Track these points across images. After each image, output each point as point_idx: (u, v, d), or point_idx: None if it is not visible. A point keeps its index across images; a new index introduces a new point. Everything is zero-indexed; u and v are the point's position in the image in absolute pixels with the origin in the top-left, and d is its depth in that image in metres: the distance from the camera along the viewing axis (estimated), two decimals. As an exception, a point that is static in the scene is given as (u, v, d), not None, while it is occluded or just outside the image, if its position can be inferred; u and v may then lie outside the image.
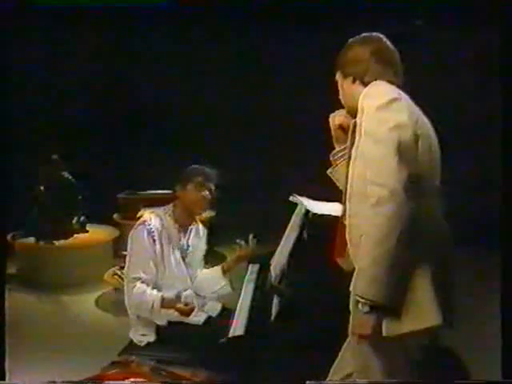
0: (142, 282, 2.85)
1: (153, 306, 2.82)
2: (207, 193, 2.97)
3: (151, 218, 2.93)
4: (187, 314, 2.85)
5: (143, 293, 2.83)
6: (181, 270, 3.00)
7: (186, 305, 2.85)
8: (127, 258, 2.96)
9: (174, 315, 2.87)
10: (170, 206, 3.02)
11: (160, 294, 2.86)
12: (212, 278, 3.13)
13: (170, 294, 2.90)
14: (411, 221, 1.90)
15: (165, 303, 2.84)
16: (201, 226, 3.17)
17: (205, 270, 3.19)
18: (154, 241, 2.89)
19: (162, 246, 2.92)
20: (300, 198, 2.72)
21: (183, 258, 3.02)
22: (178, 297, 2.92)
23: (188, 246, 3.05)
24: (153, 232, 2.89)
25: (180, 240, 3.02)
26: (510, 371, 2.51)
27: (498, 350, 2.62)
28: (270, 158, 7.42)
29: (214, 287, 3.11)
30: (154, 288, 2.88)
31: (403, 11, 6.21)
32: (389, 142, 1.93)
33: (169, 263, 2.94)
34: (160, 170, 5.60)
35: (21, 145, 5.85)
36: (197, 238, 3.12)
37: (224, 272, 3.14)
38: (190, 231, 3.08)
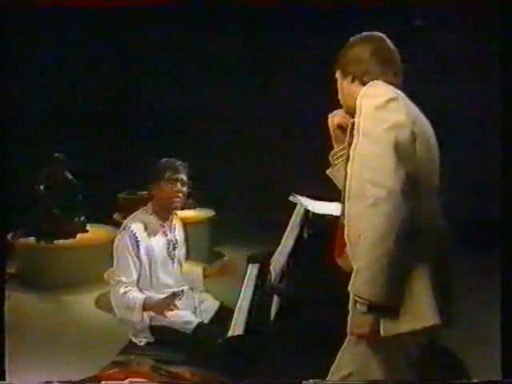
0: (126, 287, 2.85)
1: (134, 308, 2.80)
2: (179, 185, 2.98)
3: (132, 221, 2.94)
4: (163, 312, 2.81)
5: (124, 294, 2.83)
6: (171, 266, 3.01)
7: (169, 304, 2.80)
8: (113, 265, 2.97)
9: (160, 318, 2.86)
10: (149, 205, 3.03)
11: (143, 296, 2.84)
12: (193, 279, 3.13)
13: (159, 295, 2.89)
14: (409, 220, 1.90)
15: (147, 305, 2.82)
16: (181, 225, 3.18)
17: (186, 266, 3.17)
18: (138, 242, 2.88)
19: (149, 245, 2.92)
20: (300, 198, 2.72)
21: (173, 254, 3.03)
22: (173, 295, 2.87)
23: (176, 240, 3.07)
24: (135, 235, 2.89)
25: (167, 235, 3.03)
26: (510, 371, 2.51)
27: (498, 350, 2.62)
28: (269, 157, 7.42)
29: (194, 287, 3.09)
30: (140, 291, 2.88)
31: (403, 11, 6.22)
32: (386, 141, 1.93)
33: (158, 260, 2.95)
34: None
35: (21, 145, 5.85)
36: (181, 233, 3.14)
37: (205, 276, 3.13)
38: (175, 227, 3.10)
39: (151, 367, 2.68)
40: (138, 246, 2.88)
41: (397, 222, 1.88)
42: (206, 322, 2.96)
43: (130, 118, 7.47)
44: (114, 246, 2.94)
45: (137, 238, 2.88)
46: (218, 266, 3.20)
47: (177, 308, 2.80)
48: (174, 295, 2.82)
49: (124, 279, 2.84)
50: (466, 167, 6.22)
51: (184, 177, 3.00)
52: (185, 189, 3.01)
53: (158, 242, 2.97)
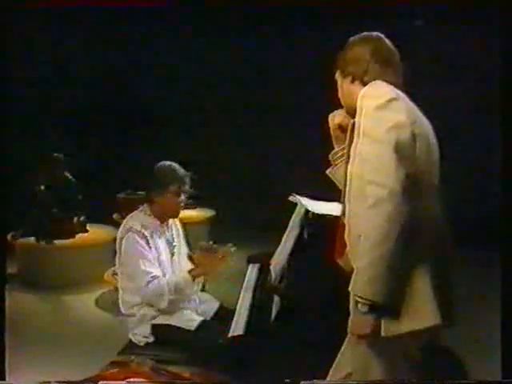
0: (162, 276, 2.87)
1: (187, 284, 2.86)
2: (184, 198, 3.02)
3: (135, 223, 2.94)
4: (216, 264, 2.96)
5: (168, 282, 2.84)
6: (172, 266, 3.02)
7: None
8: (123, 268, 2.95)
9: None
10: (146, 206, 3.03)
11: (182, 271, 2.93)
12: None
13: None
14: (410, 221, 1.90)
15: (193, 275, 2.89)
16: (178, 223, 3.19)
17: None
18: (148, 241, 2.90)
19: (155, 242, 2.95)
20: (300, 198, 2.72)
21: (172, 254, 3.05)
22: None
23: (173, 239, 3.09)
24: (144, 234, 2.90)
25: (165, 234, 3.05)
26: (510, 371, 2.51)
27: (498, 350, 2.62)
28: (270, 157, 7.42)
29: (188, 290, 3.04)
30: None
31: (403, 11, 6.22)
32: (387, 141, 1.93)
33: (163, 257, 2.97)
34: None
35: (21, 144, 5.85)
36: (178, 233, 3.15)
37: (193, 278, 3.09)
38: (171, 227, 3.11)
39: (151, 367, 2.67)
40: (148, 244, 2.90)
41: (397, 222, 1.88)
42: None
43: (129, 118, 7.46)
44: (125, 249, 2.92)
45: (146, 236, 2.91)
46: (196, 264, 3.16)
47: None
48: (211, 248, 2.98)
49: (155, 273, 2.85)
50: (465, 167, 6.22)
51: (187, 187, 3.03)
52: (186, 197, 3.05)
53: (161, 241, 2.99)
